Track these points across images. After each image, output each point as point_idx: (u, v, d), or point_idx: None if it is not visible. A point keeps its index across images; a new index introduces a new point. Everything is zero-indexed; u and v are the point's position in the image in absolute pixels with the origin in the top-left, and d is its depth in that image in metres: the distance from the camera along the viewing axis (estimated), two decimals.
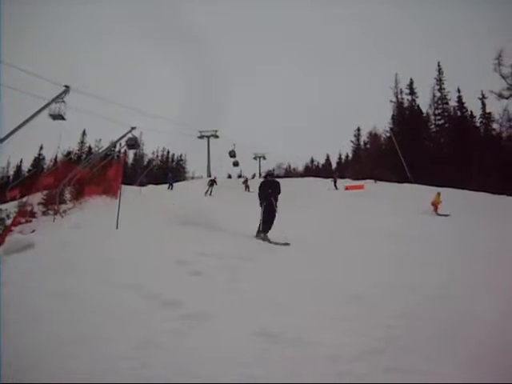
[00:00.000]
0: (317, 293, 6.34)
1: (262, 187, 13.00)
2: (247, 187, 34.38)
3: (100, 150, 49.47)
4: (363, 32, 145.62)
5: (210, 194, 30.65)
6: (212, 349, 4.35)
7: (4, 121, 19.34)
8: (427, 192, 27.06)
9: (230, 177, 57.05)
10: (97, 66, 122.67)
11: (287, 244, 10.90)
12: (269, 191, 12.68)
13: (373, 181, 36.49)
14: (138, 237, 11.07)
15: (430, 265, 8.23)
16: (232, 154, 56.63)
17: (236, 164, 63.64)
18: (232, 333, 4.78)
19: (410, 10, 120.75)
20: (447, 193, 26.30)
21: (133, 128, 26.70)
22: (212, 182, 33.29)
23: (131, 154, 74.98)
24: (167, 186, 33.55)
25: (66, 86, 20.88)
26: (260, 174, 66.72)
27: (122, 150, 49.77)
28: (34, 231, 14.32)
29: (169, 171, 58.21)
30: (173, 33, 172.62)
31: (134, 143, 37.68)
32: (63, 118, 22.40)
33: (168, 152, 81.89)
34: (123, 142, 29.47)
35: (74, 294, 5.91)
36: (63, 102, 21.65)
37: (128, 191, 23.58)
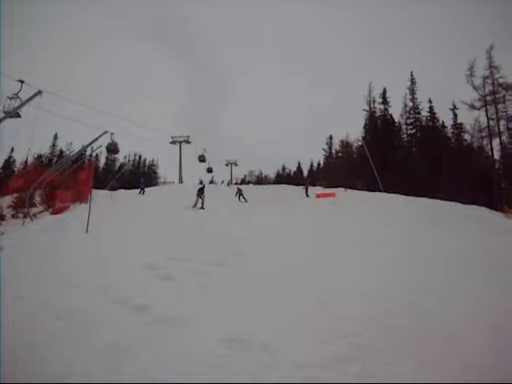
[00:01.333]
0: (286, 298, 6.45)
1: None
2: (241, 196, 30.32)
3: (71, 154, 49.01)
4: (338, 41, 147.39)
5: (202, 208, 24.60)
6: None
7: None
8: (396, 200, 27.55)
9: (201, 182, 56.70)
10: (70, 68, 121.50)
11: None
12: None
13: (343, 189, 36.70)
14: (107, 240, 11.08)
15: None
16: (202, 159, 56.33)
17: (210, 170, 63.69)
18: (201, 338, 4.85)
19: (385, 20, 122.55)
20: (417, 202, 26.69)
21: (105, 132, 26.57)
22: (201, 191, 27.54)
23: (103, 158, 74.50)
24: (139, 190, 33.10)
25: (40, 91, 20.45)
26: (231, 181, 66.93)
27: (94, 154, 49.46)
28: (2, 234, 14.20)
29: (141, 176, 57.96)
30: (149, 35, 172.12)
31: (114, 148, 37.72)
32: (19, 116, 20.82)
33: (140, 157, 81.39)
34: (95, 145, 29.16)
35: (38, 298, 5.94)
36: (18, 98, 20.53)
37: (99, 195, 23.36)
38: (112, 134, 33.39)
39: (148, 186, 40.68)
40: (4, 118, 20.19)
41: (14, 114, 20.26)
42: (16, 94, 19.99)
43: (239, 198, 29.86)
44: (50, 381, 3.75)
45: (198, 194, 26.34)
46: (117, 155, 75.15)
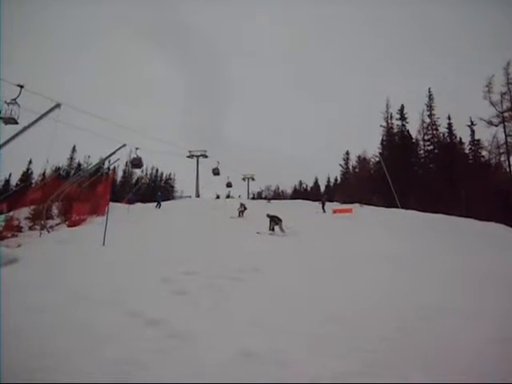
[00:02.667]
0: (301, 313, 6.32)
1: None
2: (242, 212, 29.09)
3: (89, 167, 49.41)
4: (356, 57, 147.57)
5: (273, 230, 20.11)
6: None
7: None
8: (413, 217, 27.33)
9: (218, 197, 56.74)
10: (87, 79, 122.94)
11: None
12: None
13: (358, 204, 36.53)
14: (123, 253, 11.03)
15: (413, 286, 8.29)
16: (216, 172, 56.51)
17: (229, 185, 64.02)
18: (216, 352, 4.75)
19: (403, 36, 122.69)
20: (434, 219, 26.46)
21: (123, 145, 26.59)
22: (243, 207, 29.14)
23: (120, 171, 75.00)
24: (155, 204, 33.04)
25: (58, 104, 19.17)
26: (248, 195, 67.03)
27: (111, 167, 49.87)
28: (19, 245, 14.24)
29: (158, 190, 58.23)
30: (167, 46, 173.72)
31: (138, 163, 38.27)
32: (16, 122, 19.07)
33: (157, 170, 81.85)
34: (112, 158, 29.30)
35: (55, 310, 5.87)
36: (16, 103, 18.95)
37: (116, 208, 23.43)
38: (137, 148, 33.83)
39: (165, 200, 40.73)
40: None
41: (11, 120, 18.84)
42: (14, 99, 18.86)
43: (240, 213, 29.06)
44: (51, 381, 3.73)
45: (240, 209, 28.66)
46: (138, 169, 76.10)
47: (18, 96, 18.69)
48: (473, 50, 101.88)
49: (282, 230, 19.57)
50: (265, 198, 55.91)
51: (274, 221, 19.94)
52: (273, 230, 19.77)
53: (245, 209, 29.33)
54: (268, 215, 20.47)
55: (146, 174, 78.20)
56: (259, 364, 4.46)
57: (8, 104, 18.77)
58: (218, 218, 25.30)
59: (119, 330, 5.29)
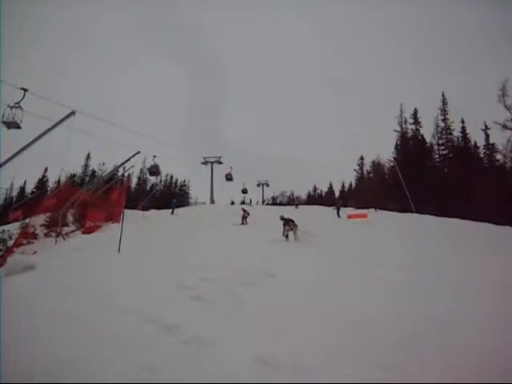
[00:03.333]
0: (318, 319, 6.25)
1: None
2: (245, 219, 28.23)
3: (103, 174, 49.72)
4: (369, 62, 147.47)
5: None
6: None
7: (7, 142, 18.37)
8: (427, 221, 27.14)
9: (233, 203, 56.87)
10: (100, 87, 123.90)
11: None
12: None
13: (373, 209, 36.41)
14: (139, 260, 11.02)
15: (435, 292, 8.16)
16: (229, 177, 56.87)
17: (245, 191, 64.32)
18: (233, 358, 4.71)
19: (416, 40, 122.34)
20: (449, 223, 26.26)
21: (137, 152, 26.69)
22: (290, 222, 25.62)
23: (134, 178, 75.32)
24: (170, 211, 33.04)
25: (73, 112, 19.37)
26: (263, 201, 67.12)
27: (126, 174, 50.17)
28: (35, 253, 14.30)
29: (172, 196, 58.47)
30: (183, 54, 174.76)
31: (156, 170, 38.79)
32: (19, 127, 18.80)
33: (171, 177, 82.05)
34: (127, 165, 29.43)
35: (73, 317, 5.86)
36: (19, 107, 18.52)
37: (131, 215, 23.47)
38: (154, 156, 34.11)
39: (179, 207, 40.89)
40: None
41: (14, 125, 18.67)
42: (18, 102, 18.53)
43: (243, 220, 28.01)
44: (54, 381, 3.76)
45: (243, 216, 27.72)
46: (147, 176, 76.31)
47: (21, 100, 18.47)
48: (487, 54, 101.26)
49: (296, 237, 17.05)
50: (292, 203, 54.71)
51: (289, 225, 17.36)
52: (287, 236, 17.01)
53: (248, 215, 28.49)
54: (282, 218, 18.16)
55: (161, 180, 78.44)
56: (276, 371, 4.42)
57: (11, 108, 18.48)
58: (232, 225, 25.30)
59: (137, 336, 5.29)
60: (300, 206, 46.64)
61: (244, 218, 28.18)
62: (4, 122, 18.54)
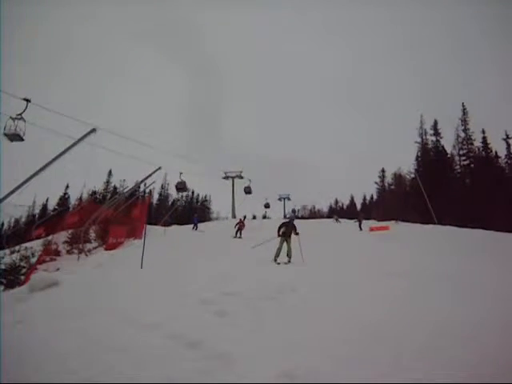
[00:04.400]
0: (341, 333, 6.15)
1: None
2: (239, 231, 26.64)
3: (125, 190, 50.16)
4: (388, 73, 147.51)
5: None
6: None
7: (29, 159, 18.32)
8: (450, 232, 26.88)
9: (254, 218, 57.01)
10: (118, 103, 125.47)
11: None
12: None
13: (394, 221, 36.34)
14: (161, 276, 11.00)
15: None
16: (248, 191, 57.22)
17: (267, 206, 64.76)
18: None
19: (435, 51, 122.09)
20: (472, 233, 25.97)
21: (159, 168, 26.84)
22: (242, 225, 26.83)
23: (156, 194, 75.88)
24: (192, 226, 32.84)
25: (94, 129, 19.43)
26: (285, 215, 67.16)
27: (147, 190, 50.55)
28: (58, 269, 14.37)
29: (194, 212, 58.81)
30: (186, 57, 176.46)
31: (183, 187, 39.36)
32: (21, 139, 18.28)
33: (193, 192, 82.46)
34: (148, 181, 29.58)
35: (96, 334, 5.87)
36: (21, 118, 17.86)
37: (153, 231, 23.56)
38: (181, 173, 34.40)
39: (201, 222, 40.99)
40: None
41: (16, 137, 18.13)
42: (20, 114, 17.93)
43: (238, 232, 26.29)
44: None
45: (238, 229, 26.40)
46: (169, 191, 76.84)
47: (23, 111, 17.99)
48: (505, 62, 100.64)
49: (289, 256, 14.06)
50: (331, 216, 53.62)
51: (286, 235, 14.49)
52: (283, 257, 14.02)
53: (243, 226, 26.99)
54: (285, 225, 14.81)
55: (182, 195, 78.87)
56: None
57: (13, 119, 18.01)
58: (254, 240, 25.27)
59: (160, 352, 5.26)
60: (341, 220, 45.28)
61: (239, 229, 26.68)
62: (6, 135, 18.23)
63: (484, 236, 24.60)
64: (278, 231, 14.75)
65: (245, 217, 30.29)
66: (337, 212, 77.81)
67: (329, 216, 44.05)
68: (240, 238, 25.70)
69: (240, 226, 26.89)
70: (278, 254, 14.13)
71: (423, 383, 3.50)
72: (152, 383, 4.33)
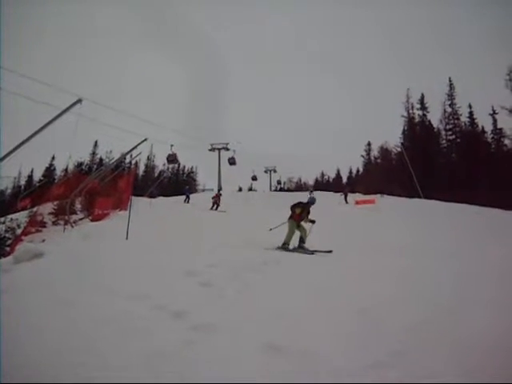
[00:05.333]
0: (326, 305, 6.27)
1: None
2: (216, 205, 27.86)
3: (111, 161, 49.89)
4: (375, 47, 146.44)
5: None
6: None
7: (15, 129, 18.11)
8: (435, 207, 27.13)
9: (240, 190, 57.27)
10: (106, 74, 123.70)
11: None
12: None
13: (379, 195, 36.48)
14: (147, 247, 11.04)
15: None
16: (231, 162, 57.20)
17: (254, 178, 64.74)
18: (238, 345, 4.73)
19: (422, 26, 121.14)
20: (457, 209, 26.23)
21: (145, 140, 26.64)
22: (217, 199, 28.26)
23: (142, 165, 75.48)
24: (184, 198, 32.51)
25: (80, 99, 18.48)
26: (270, 187, 67.25)
27: (133, 162, 50.35)
28: (44, 241, 14.37)
29: (185, 184, 58.96)
30: (185, 42, 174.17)
31: (173, 159, 39.61)
32: None
33: (179, 164, 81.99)
34: (134, 153, 29.43)
35: (81, 304, 5.89)
36: None
37: (138, 203, 23.53)
38: (172, 145, 34.32)
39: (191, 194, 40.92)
40: None
41: None
42: None
43: (214, 206, 27.53)
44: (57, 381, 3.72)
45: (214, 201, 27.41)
46: (155, 163, 76.44)
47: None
48: (495, 38, 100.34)
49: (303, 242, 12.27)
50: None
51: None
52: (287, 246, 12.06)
53: (219, 200, 28.14)
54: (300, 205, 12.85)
55: (168, 167, 78.47)
56: (283, 356, 4.43)
57: None
58: (241, 211, 25.33)
59: (146, 323, 5.30)
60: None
61: (215, 203, 28.01)
62: None
63: (470, 211, 24.90)
64: (294, 211, 12.69)
65: (219, 190, 30.76)
66: (323, 185, 78.14)
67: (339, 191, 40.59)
68: (216, 210, 26.94)
69: (216, 199, 28.17)
70: (289, 239, 12.14)
71: (424, 383, 3.53)
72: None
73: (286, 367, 4.18)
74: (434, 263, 9.49)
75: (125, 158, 36.38)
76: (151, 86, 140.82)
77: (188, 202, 31.74)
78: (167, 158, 42.68)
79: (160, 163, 78.84)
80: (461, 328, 5.07)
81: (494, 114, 48.90)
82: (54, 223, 20.87)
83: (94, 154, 73.30)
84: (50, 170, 70.27)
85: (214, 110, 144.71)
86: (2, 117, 18.71)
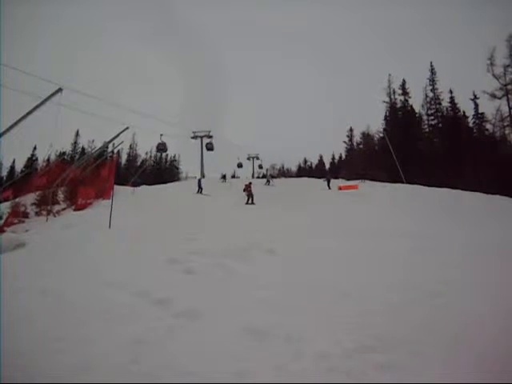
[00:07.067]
0: (310, 291, 6.37)
1: None
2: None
3: (93, 151, 49.61)
4: (357, 33, 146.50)
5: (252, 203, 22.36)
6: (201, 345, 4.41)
7: None
8: (417, 191, 27.39)
9: (224, 177, 57.22)
10: (89, 64, 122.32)
11: None
12: None
13: (360, 181, 36.59)
14: (130, 235, 11.09)
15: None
16: (209, 147, 57.44)
17: (240, 165, 64.86)
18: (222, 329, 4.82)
19: (403, 11, 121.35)
20: (441, 193, 26.48)
21: (126, 128, 26.56)
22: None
23: (124, 154, 75.08)
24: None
25: (60, 89, 18.96)
26: (253, 174, 67.36)
27: (115, 151, 50.13)
28: (27, 231, 14.31)
29: (161, 171, 58.89)
30: (165, 31, 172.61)
31: (163, 147, 39.95)
32: None
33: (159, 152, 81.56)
34: (116, 141, 29.32)
35: (64, 293, 5.96)
36: None
37: (121, 191, 23.49)
38: (161, 135, 34.36)
39: (169, 182, 40.76)
40: None
41: None
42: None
43: (249, 199, 23.57)
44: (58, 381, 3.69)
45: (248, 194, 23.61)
46: (137, 151, 76.06)
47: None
48: (475, 23, 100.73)
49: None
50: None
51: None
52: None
53: (250, 189, 24.05)
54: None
55: (151, 156, 78.08)
56: (265, 340, 4.52)
57: None
58: (224, 198, 25.34)
59: (129, 310, 5.38)
60: (275, 180, 40.46)
61: (249, 195, 23.89)
62: None
63: (452, 195, 25.20)
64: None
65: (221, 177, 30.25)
66: (306, 171, 78.33)
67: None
68: (252, 203, 23.42)
69: (249, 190, 24.25)
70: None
71: (422, 383, 3.60)
72: None
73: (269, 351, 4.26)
74: (410, 245, 9.70)
75: (107, 147, 36.07)
76: (134, 73, 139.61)
77: (201, 192, 29.37)
78: (157, 147, 43.73)
79: (142, 152, 78.55)
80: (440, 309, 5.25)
81: (475, 98, 49.19)
82: (37, 214, 20.71)
83: (76, 143, 72.80)
84: (32, 161, 69.60)
85: (197, 99, 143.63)
86: None
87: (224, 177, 42.80)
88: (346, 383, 3.69)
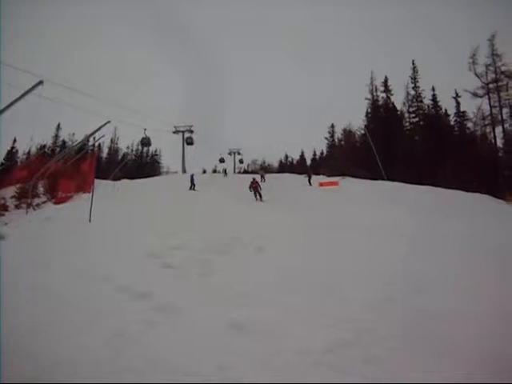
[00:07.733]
0: (293, 285, 6.47)
1: None
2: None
3: (74, 144, 49.24)
4: (339, 31, 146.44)
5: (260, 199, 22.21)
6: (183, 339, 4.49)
7: None
8: (398, 188, 27.61)
9: (204, 172, 57.11)
10: (72, 56, 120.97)
11: None
12: None
13: (341, 177, 36.66)
14: (110, 229, 11.10)
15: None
16: (189, 141, 57.53)
17: (222, 160, 64.82)
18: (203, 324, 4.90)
19: (386, 9, 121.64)
20: (420, 190, 26.70)
21: (108, 122, 26.38)
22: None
23: (105, 148, 74.45)
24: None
25: (41, 81, 18.50)
26: (234, 169, 67.39)
27: (96, 144, 49.81)
28: (6, 224, 14.25)
29: (143, 164, 58.64)
30: (149, 24, 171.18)
31: (147, 142, 40.24)
32: None
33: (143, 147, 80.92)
34: (97, 135, 29.13)
35: (44, 286, 5.98)
36: None
37: (102, 185, 23.39)
38: (145, 129, 34.35)
39: (151, 176, 40.69)
40: None
41: None
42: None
43: (256, 195, 23.10)
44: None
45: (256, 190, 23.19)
46: (118, 145, 75.55)
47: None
48: (457, 21, 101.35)
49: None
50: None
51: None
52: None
53: (259, 185, 23.68)
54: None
55: (132, 149, 77.52)
56: (247, 335, 4.61)
57: None
58: (204, 193, 25.33)
59: (110, 304, 5.44)
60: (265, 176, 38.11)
61: (256, 191, 23.41)
62: None
63: (433, 193, 25.43)
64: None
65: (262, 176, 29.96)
66: (287, 167, 78.43)
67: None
68: (261, 199, 23.11)
69: (255, 186, 23.71)
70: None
71: (421, 383, 3.64)
72: None
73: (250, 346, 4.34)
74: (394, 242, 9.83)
75: (88, 141, 35.82)
76: (119, 67, 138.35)
77: (194, 188, 29.34)
78: (141, 141, 44.28)
79: (123, 146, 77.89)
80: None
81: (457, 97, 49.50)
82: (17, 207, 20.64)
83: (56, 136, 71.94)
84: (11, 153, 68.72)
85: (180, 93, 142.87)
86: None
87: (225, 171, 43.76)
88: (342, 383, 3.72)
